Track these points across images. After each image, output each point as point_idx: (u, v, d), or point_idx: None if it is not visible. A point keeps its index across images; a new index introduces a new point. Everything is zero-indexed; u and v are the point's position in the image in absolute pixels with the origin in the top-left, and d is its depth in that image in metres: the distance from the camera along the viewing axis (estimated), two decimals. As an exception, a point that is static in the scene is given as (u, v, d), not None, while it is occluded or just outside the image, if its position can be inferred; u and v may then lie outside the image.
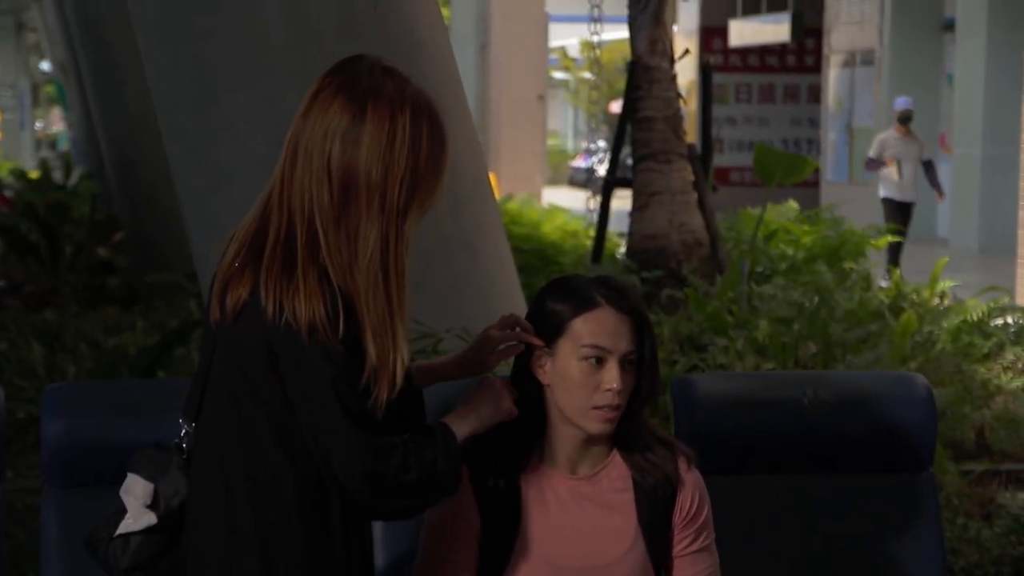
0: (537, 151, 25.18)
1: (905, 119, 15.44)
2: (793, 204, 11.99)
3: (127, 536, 2.73)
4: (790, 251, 10.64)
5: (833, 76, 24.36)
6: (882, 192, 15.62)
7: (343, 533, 2.69)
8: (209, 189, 5.85)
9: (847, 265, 10.21)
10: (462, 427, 2.75)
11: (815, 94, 25.71)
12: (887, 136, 15.65)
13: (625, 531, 2.95)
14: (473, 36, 25.28)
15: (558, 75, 45.23)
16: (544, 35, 25.84)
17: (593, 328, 2.87)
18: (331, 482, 2.62)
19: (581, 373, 2.88)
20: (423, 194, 2.65)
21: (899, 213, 15.30)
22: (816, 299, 8.40)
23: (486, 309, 5.72)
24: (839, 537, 3.56)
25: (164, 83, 6.00)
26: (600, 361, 2.88)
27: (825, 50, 24.61)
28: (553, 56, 37.81)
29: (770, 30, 25.33)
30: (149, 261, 11.57)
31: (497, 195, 6.51)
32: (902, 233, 15.16)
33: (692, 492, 3.00)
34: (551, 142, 40.75)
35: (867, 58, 23.29)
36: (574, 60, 43.51)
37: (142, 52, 6.19)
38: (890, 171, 15.25)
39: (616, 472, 2.98)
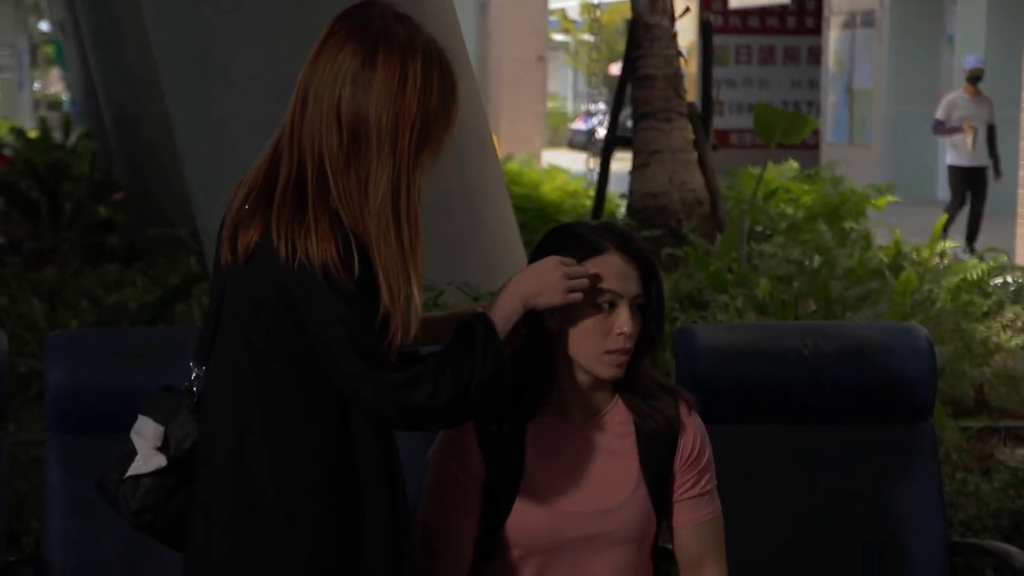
0: (537, 112, 25.16)
1: (975, 79, 14.58)
2: (793, 164, 11.98)
3: (137, 478, 2.74)
4: (790, 210, 10.65)
5: (833, 38, 24.31)
6: (949, 158, 14.66)
7: (366, 463, 2.68)
8: (210, 144, 5.84)
9: (847, 224, 10.21)
10: (506, 313, 2.73)
11: (815, 56, 25.65)
12: (955, 97, 14.66)
13: (628, 476, 2.97)
14: (473, -4, 25.22)
15: (558, 37, 45.11)
16: (544, -5, 25.77)
17: (604, 273, 2.88)
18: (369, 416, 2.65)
19: (593, 318, 2.89)
20: (434, 142, 2.65)
21: (970, 179, 14.41)
22: (816, 257, 8.41)
23: (488, 263, 5.73)
24: (839, 486, 3.59)
25: (165, 38, 5.99)
26: (611, 306, 2.90)
27: (826, 11, 24.54)
28: (553, 18, 37.70)
29: (770, -9, 25.26)
30: (149, 218, 11.57)
31: (498, 156, 6.54)
32: (978, 202, 14.47)
33: (693, 436, 3.02)
34: (551, 104, 40.67)
35: (868, 19, 23.23)
36: (574, 22, 43.39)
37: (142, 7, 6.17)
38: (963, 137, 14.22)
39: (618, 417, 2.99)
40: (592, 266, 2.88)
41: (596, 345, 2.90)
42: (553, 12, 36.38)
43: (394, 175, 2.61)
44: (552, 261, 2.81)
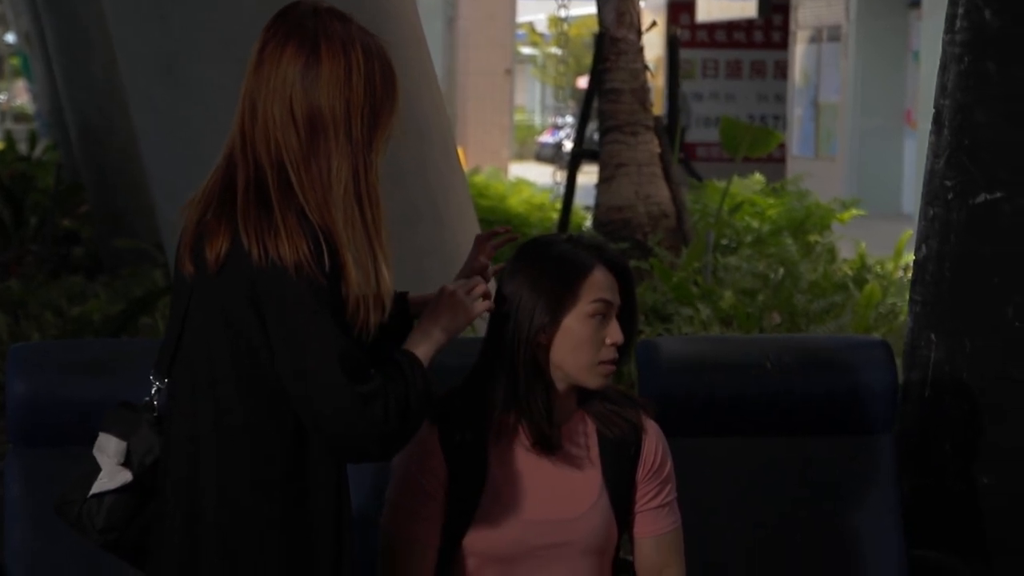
0: (504, 125, 25.19)
1: None
2: (759, 177, 12.03)
3: (101, 496, 2.72)
4: (755, 224, 10.69)
5: (800, 52, 24.42)
6: None
7: (317, 490, 2.69)
8: (177, 157, 5.83)
9: (812, 238, 10.26)
10: (426, 346, 2.76)
11: (782, 70, 25.76)
12: None
13: (590, 485, 2.98)
14: (441, 9, 25.24)
15: (525, 50, 45.16)
16: (512, 9, 25.83)
17: (597, 284, 2.94)
18: (310, 427, 2.63)
19: (589, 329, 2.93)
20: (383, 123, 2.74)
21: None
22: (781, 270, 8.44)
23: (452, 275, 5.72)
24: (801, 497, 3.60)
25: (131, 51, 5.98)
26: (604, 317, 2.94)
27: (792, 26, 24.66)
28: (520, 31, 37.75)
29: (737, 6, 25.35)
30: (114, 231, 11.53)
31: (464, 168, 6.54)
32: None
33: (655, 445, 3.04)
34: (518, 117, 40.71)
35: (834, 34, 23.35)
36: (541, 35, 43.45)
37: (108, 18, 6.16)
38: None
39: (582, 427, 3.01)
40: (589, 279, 2.93)
41: (590, 356, 2.94)
42: (520, 26, 36.43)
43: (353, 161, 2.68)
44: (447, 291, 2.86)
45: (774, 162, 21.80)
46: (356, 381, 2.59)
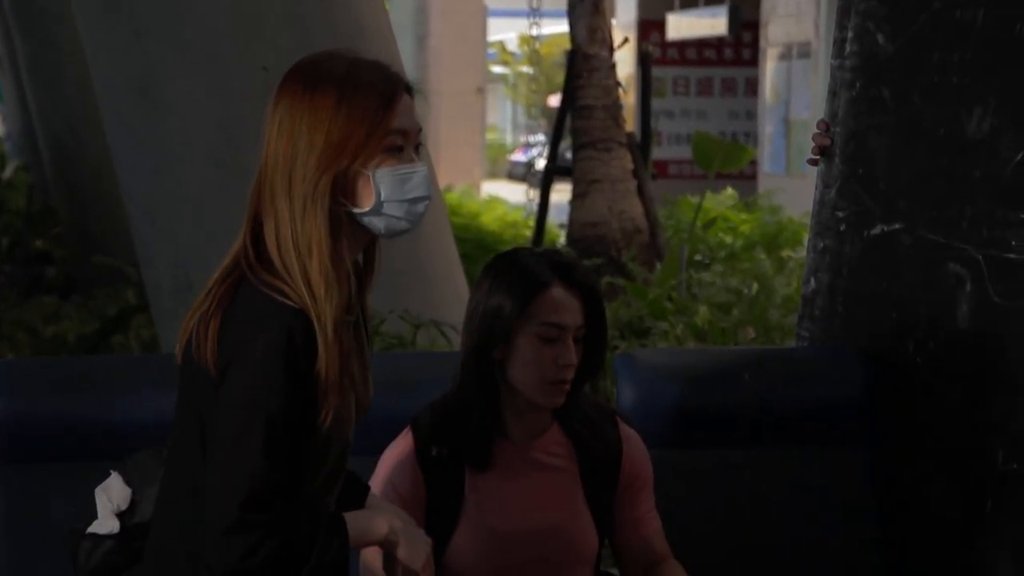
0: (476, 143, 25.22)
1: None
2: (732, 192, 12.09)
3: (97, 539, 2.59)
4: (729, 239, 10.75)
5: (770, 69, 24.50)
6: None
7: None
8: (151, 174, 5.84)
9: (785, 253, 10.32)
10: (361, 528, 2.50)
11: (752, 87, 25.85)
12: None
13: (569, 496, 3.00)
14: (412, 28, 25.26)
15: (497, 69, 45.22)
16: (483, 28, 25.88)
17: (548, 306, 2.91)
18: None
19: (537, 350, 2.91)
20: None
21: None
22: (755, 285, 8.48)
23: (429, 292, 5.76)
24: (779, 510, 3.61)
25: (106, 71, 5.99)
26: (555, 338, 2.91)
27: (762, 43, 24.74)
28: (491, 50, 37.81)
29: (707, 23, 25.44)
30: (87, 251, 11.51)
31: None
32: None
33: (634, 455, 3.06)
34: (489, 136, 40.76)
35: (804, 51, 23.43)
36: (512, 54, 43.52)
37: (83, 38, 6.17)
38: None
39: (558, 438, 3.02)
40: (540, 299, 2.90)
41: (539, 376, 2.92)
42: (492, 44, 36.52)
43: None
44: (428, 545, 2.58)
45: (745, 179, 21.86)
46: (250, 507, 2.37)
